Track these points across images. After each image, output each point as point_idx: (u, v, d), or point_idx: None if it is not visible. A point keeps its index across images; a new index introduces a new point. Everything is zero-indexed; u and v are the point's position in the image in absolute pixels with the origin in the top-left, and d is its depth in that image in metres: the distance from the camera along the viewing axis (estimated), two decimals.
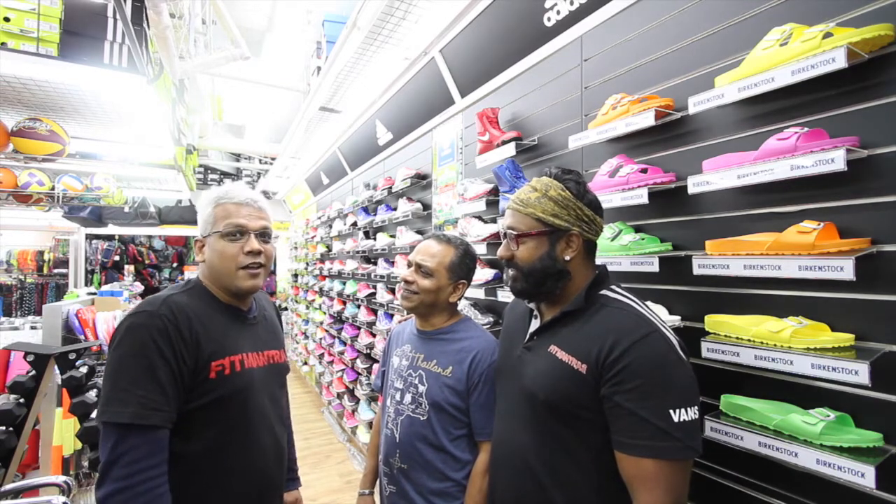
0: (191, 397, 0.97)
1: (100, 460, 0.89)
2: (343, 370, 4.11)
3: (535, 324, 1.09)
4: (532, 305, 1.11)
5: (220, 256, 1.06)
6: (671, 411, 0.82)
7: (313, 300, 5.44)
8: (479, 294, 2.05)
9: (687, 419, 0.82)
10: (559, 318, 1.01)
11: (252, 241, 1.08)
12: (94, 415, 1.75)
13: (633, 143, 1.45)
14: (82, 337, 2.68)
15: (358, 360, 3.74)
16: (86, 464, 2.45)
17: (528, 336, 1.09)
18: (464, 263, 1.39)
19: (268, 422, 1.13)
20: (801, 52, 0.94)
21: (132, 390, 0.89)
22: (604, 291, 1.00)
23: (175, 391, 0.94)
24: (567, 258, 1.00)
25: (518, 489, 1.02)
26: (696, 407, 0.85)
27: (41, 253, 6.81)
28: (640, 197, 1.27)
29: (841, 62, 0.87)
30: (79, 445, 2.44)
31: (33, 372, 1.76)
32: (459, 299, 1.42)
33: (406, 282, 1.37)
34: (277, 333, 1.27)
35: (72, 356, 1.86)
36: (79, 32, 2.04)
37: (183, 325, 0.97)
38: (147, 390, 0.90)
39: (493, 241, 1.98)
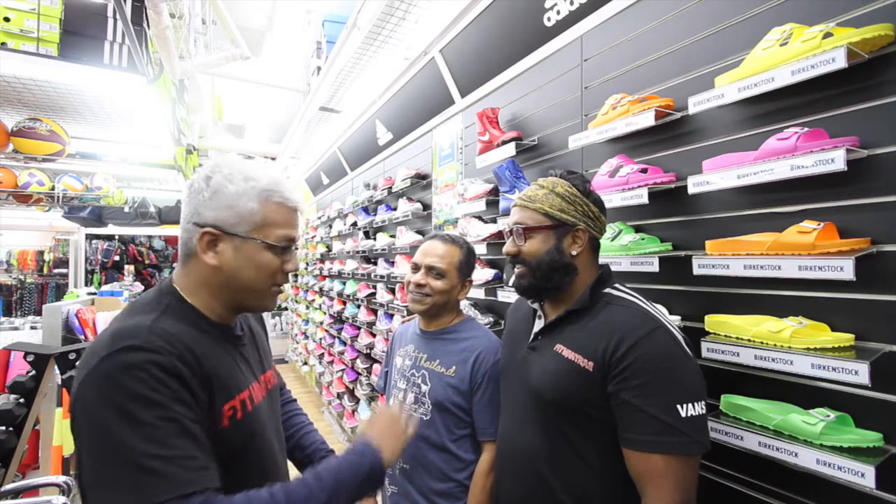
0: None
1: None
2: (343, 370, 4.11)
3: (539, 324, 1.09)
4: (536, 305, 1.11)
5: (257, 269, 0.82)
6: (678, 406, 0.82)
7: (313, 300, 5.44)
8: (479, 294, 2.05)
9: (694, 414, 0.83)
10: (564, 317, 1.02)
11: (295, 256, 0.88)
12: None
13: (633, 143, 1.45)
14: (82, 337, 2.68)
15: (358, 360, 3.73)
16: None
17: (532, 336, 1.08)
18: (469, 262, 1.40)
19: (278, 467, 0.93)
20: (801, 52, 0.94)
21: (160, 454, 0.63)
22: (608, 290, 1.01)
23: (207, 443, 0.71)
24: (574, 253, 1.01)
25: (524, 489, 1.02)
26: (703, 402, 0.85)
27: (41, 253, 6.80)
28: (640, 197, 1.27)
29: (841, 62, 0.87)
30: None
31: (33, 372, 1.76)
32: (465, 297, 1.42)
33: (417, 285, 1.35)
34: (267, 350, 1.04)
35: (72, 356, 1.86)
36: (79, 32, 2.04)
37: (191, 362, 0.72)
38: (181, 448, 0.65)
39: (493, 241, 1.98)
